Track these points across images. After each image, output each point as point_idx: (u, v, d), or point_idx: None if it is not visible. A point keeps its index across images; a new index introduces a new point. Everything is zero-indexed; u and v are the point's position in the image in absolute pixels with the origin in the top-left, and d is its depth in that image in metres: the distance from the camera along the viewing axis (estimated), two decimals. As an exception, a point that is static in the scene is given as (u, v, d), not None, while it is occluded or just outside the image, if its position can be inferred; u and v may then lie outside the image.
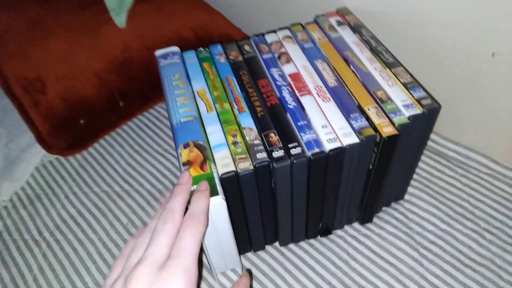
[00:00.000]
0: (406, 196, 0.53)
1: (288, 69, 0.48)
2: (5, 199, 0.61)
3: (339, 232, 0.52)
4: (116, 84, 0.65)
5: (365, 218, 0.52)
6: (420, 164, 0.56)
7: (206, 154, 0.40)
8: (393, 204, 0.53)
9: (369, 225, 0.52)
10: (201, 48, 0.53)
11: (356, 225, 0.52)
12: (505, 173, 0.53)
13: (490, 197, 0.52)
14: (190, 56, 0.53)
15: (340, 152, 0.40)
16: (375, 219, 0.52)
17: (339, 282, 0.47)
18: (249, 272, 0.48)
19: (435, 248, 0.48)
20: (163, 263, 0.29)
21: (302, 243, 0.51)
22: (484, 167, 0.55)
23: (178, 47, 0.53)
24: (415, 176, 0.55)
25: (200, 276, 0.48)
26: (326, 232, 0.51)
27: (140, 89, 0.67)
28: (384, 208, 0.53)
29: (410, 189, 0.54)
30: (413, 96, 0.43)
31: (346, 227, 0.52)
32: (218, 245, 0.43)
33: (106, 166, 0.63)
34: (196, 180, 0.37)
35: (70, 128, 0.62)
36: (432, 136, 0.59)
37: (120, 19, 0.68)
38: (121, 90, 0.66)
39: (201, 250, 0.30)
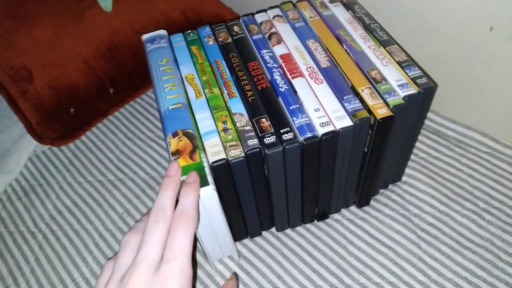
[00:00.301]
0: (404, 178, 0.52)
1: (279, 50, 0.47)
2: (-1, 192, 0.60)
3: (336, 216, 0.51)
4: (104, 70, 0.64)
5: (362, 201, 0.51)
6: (417, 144, 0.55)
7: (195, 143, 0.39)
8: (390, 186, 0.52)
9: (366, 208, 0.51)
10: (189, 30, 0.52)
11: (353, 208, 0.51)
12: (504, 151, 0.52)
13: (490, 177, 0.51)
14: (178, 40, 0.51)
15: (333, 136, 0.38)
16: (372, 202, 0.51)
17: (336, 266, 0.46)
18: (235, 275, 0.48)
19: (433, 230, 0.47)
20: (157, 265, 0.29)
21: (299, 228, 0.51)
22: (483, 146, 0.53)
23: (166, 30, 0.52)
24: (412, 156, 0.54)
25: (195, 276, 0.47)
26: (322, 216, 0.51)
27: (130, 75, 0.65)
28: (381, 191, 0.52)
29: (407, 170, 0.53)
30: (408, 75, 0.42)
31: (343, 210, 0.51)
32: (212, 233, 0.42)
33: (99, 155, 0.62)
34: (185, 170, 0.36)
35: (60, 117, 0.61)
36: (430, 115, 0.57)
37: (105, 3, 0.66)
38: (111, 76, 0.64)
39: (194, 247, 0.29)
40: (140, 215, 0.55)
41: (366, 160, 0.44)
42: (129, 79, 0.66)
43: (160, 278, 0.28)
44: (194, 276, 0.33)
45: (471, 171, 0.52)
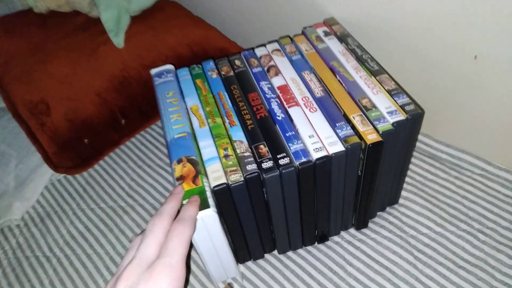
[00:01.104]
0: (401, 200, 0.54)
1: (277, 81, 0.50)
2: (17, 218, 0.64)
3: (335, 238, 0.53)
4: (116, 102, 0.68)
5: (360, 223, 0.53)
6: (414, 167, 0.57)
7: (198, 169, 0.42)
8: (387, 209, 0.54)
9: (364, 230, 0.53)
10: (194, 65, 0.56)
11: (352, 230, 0.53)
12: (497, 173, 0.54)
13: (484, 198, 0.52)
14: (184, 74, 0.55)
15: (326, 160, 0.41)
16: (370, 224, 0.53)
17: (335, 287, 0.48)
18: (230, 285, 0.50)
19: (429, 250, 0.49)
20: (151, 262, 0.31)
21: (300, 250, 0.53)
22: (477, 168, 0.55)
23: (173, 64, 0.56)
24: (409, 180, 0.56)
25: (187, 281, 0.49)
26: (322, 238, 0.53)
27: (140, 107, 0.70)
28: (379, 213, 0.54)
29: (404, 193, 0.55)
30: (397, 103, 0.44)
31: (342, 233, 0.53)
32: (215, 255, 0.45)
33: (111, 182, 0.66)
34: (188, 194, 0.39)
35: (75, 147, 0.65)
36: (426, 139, 0.60)
37: (118, 40, 0.71)
38: (122, 108, 0.68)
39: (189, 256, 0.32)
40: (149, 239, 0.57)
41: (361, 184, 0.46)
42: (139, 111, 0.70)
43: (151, 272, 0.30)
44: (186, 281, 0.34)
45: (465, 193, 0.53)
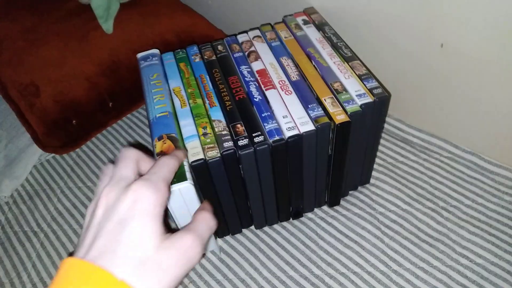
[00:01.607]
0: (372, 180, 0.58)
1: (256, 66, 0.53)
2: (6, 195, 0.66)
3: (309, 214, 0.56)
4: (105, 86, 0.70)
5: (333, 201, 0.56)
6: (385, 150, 0.61)
7: (177, 145, 0.44)
8: (359, 188, 0.57)
9: (336, 207, 0.56)
10: (179, 49, 0.58)
11: (325, 208, 0.56)
12: (464, 156, 0.57)
13: (449, 179, 0.56)
14: (168, 57, 0.57)
15: (298, 138, 0.44)
16: (342, 202, 0.56)
17: (307, 259, 0.51)
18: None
19: (396, 226, 0.52)
20: (130, 182, 0.29)
21: (276, 226, 0.56)
22: (445, 151, 0.59)
23: (159, 49, 0.58)
24: (380, 161, 0.59)
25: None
26: (297, 214, 0.56)
27: (128, 90, 0.72)
28: (351, 192, 0.57)
29: (375, 173, 0.58)
30: (366, 87, 0.47)
31: (316, 210, 0.56)
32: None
33: (98, 163, 0.68)
34: (167, 168, 0.42)
35: (63, 128, 0.67)
36: (397, 124, 0.63)
37: (107, 26, 0.73)
38: (110, 91, 0.70)
39: (166, 213, 0.31)
40: (133, 216, 0.60)
41: (331, 162, 0.49)
42: (127, 94, 0.72)
43: (132, 187, 0.28)
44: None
45: (433, 174, 0.57)
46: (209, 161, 0.43)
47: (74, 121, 0.68)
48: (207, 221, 0.32)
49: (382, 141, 0.62)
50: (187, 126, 0.47)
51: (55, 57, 0.71)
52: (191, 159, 0.43)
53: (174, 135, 0.45)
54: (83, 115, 0.69)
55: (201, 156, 0.43)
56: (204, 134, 0.46)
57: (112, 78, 0.71)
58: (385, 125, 0.63)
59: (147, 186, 0.29)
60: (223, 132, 0.45)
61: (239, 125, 0.46)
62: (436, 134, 0.60)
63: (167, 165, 0.33)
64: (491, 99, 0.51)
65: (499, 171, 0.55)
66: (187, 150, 0.44)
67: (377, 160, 0.60)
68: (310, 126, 0.44)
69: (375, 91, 0.47)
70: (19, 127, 0.71)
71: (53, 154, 0.70)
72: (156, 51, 0.58)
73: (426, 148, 0.60)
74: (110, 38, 0.73)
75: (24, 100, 0.68)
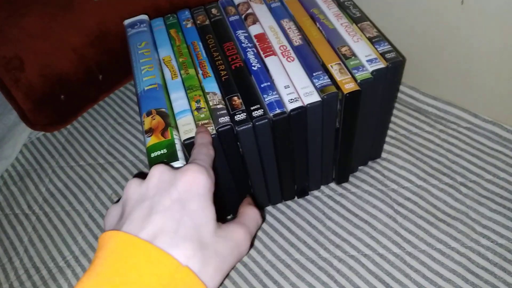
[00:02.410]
0: (383, 154, 0.53)
1: (254, 30, 0.47)
2: (-4, 177, 0.63)
3: (315, 192, 0.52)
4: (93, 57, 0.65)
5: (341, 178, 0.52)
6: (398, 121, 0.56)
7: (168, 121, 0.40)
8: (370, 163, 0.53)
9: (345, 184, 0.52)
10: (169, 14, 0.53)
11: (332, 185, 0.52)
12: (484, 125, 0.52)
13: (468, 151, 0.51)
14: (158, 24, 0.52)
15: (301, 111, 0.39)
16: (351, 179, 0.52)
17: (314, 241, 0.48)
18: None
19: (410, 204, 0.48)
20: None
21: (279, 205, 0.52)
22: (463, 121, 0.53)
23: (147, 15, 0.53)
24: (393, 133, 0.55)
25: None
26: (302, 193, 0.52)
27: (118, 61, 0.67)
28: (360, 167, 0.53)
29: (387, 147, 0.53)
30: (377, 51, 0.42)
31: (323, 187, 0.52)
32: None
33: (90, 140, 0.64)
34: (156, 147, 0.38)
35: (51, 104, 0.63)
36: (411, 92, 0.57)
37: (93, -9, 0.67)
38: (99, 63, 0.66)
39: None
40: (128, 196, 0.56)
41: (339, 136, 0.45)
42: (117, 66, 0.67)
43: (180, 169, 0.28)
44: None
45: (450, 146, 0.52)
46: (203, 138, 0.39)
47: (62, 96, 0.63)
48: (256, 218, 0.31)
49: (394, 111, 0.57)
50: (179, 100, 0.43)
51: (39, 28, 0.65)
52: (184, 137, 0.39)
53: (164, 110, 0.41)
54: (71, 90, 0.64)
55: (194, 133, 0.39)
56: (198, 109, 0.41)
57: (101, 48, 0.66)
58: (398, 94, 0.58)
59: (203, 171, 0.27)
60: (218, 106, 0.41)
61: (235, 98, 0.41)
62: (454, 103, 0.55)
63: (210, 156, 0.32)
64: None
65: (523, 142, 0.50)
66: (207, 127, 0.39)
67: (389, 132, 0.55)
68: (315, 97, 0.39)
69: (387, 56, 0.41)
70: (6, 104, 0.66)
71: (43, 132, 0.66)
72: (144, 16, 0.53)
73: (443, 118, 0.54)
74: (97, 5, 0.67)
75: (9, 75, 0.63)
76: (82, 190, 0.58)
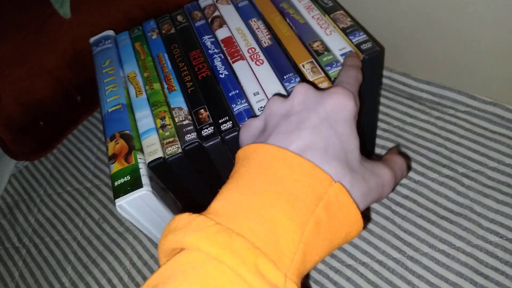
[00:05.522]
0: (377, 150, 0.49)
1: (221, 34, 0.44)
2: (-14, 211, 0.62)
3: (307, 198, 0.49)
4: (70, 78, 0.63)
5: (332, 180, 0.48)
6: (390, 112, 0.51)
7: (132, 144, 0.37)
8: (362, 161, 0.49)
9: (338, 187, 0.48)
10: (134, 27, 0.50)
11: (324, 188, 0.49)
12: (483, 107, 0.48)
13: (469, 138, 0.46)
14: (123, 38, 0.49)
15: (272, 119, 0.36)
16: (344, 180, 0.48)
17: (308, 252, 0.44)
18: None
19: (408, 202, 0.44)
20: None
21: (271, 216, 0.49)
22: (461, 105, 0.49)
23: (127, 30, 0.50)
24: (385, 126, 0.51)
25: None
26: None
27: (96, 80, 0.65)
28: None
29: (380, 141, 0.49)
30: (352, 42, 0.38)
31: (315, 192, 0.49)
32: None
33: (77, 163, 0.62)
34: (120, 174, 0.35)
35: (31, 132, 0.61)
36: (403, 78, 0.53)
37: (63, 10, 0.65)
38: (76, 84, 0.63)
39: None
40: (116, 220, 0.54)
41: (322, 139, 0.41)
42: (95, 85, 0.65)
43: (336, 91, 0.26)
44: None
45: (448, 134, 0.48)
46: (169, 159, 0.36)
47: (41, 123, 0.62)
48: (404, 167, 0.30)
49: (385, 101, 0.53)
50: (144, 119, 0.40)
51: (14, 53, 0.63)
52: (149, 159, 0.36)
53: (128, 132, 0.38)
54: (50, 115, 0.62)
55: (160, 154, 0.36)
56: (163, 127, 0.38)
57: (77, 68, 0.63)
58: (388, 82, 0.54)
59: (351, 96, 0.26)
60: (185, 122, 0.38)
61: (202, 111, 0.38)
62: (449, 86, 0.50)
63: (358, 81, 0.30)
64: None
65: (529, 121, 0.45)
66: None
67: (381, 124, 0.51)
68: (286, 102, 0.36)
69: (363, 47, 0.37)
70: (-11, 136, 0.65)
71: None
72: (110, 32, 0.51)
73: (438, 104, 0.50)
74: (69, 24, 0.65)
75: (-14, 107, 0.62)
76: (70, 217, 0.57)
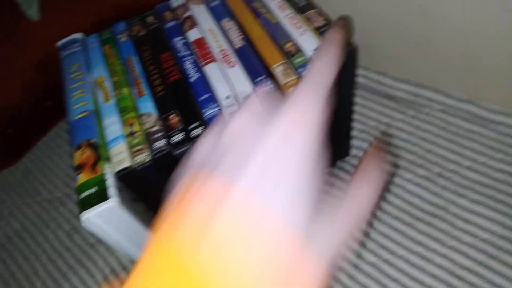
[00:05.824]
0: (353, 151, 0.49)
1: (192, 35, 0.43)
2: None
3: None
4: (40, 83, 0.61)
5: (309, 183, 0.47)
6: (366, 111, 0.51)
7: (99, 153, 0.36)
8: (338, 163, 0.49)
9: (314, 190, 0.47)
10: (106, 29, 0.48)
11: (301, 192, 0.48)
12: (458, 105, 0.48)
13: (444, 137, 0.46)
14: (92, 41, 0.48)
15: (244, 123, 0.35)
16: (320, 182, 0.48)
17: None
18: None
19: (384, 204, 0.44)
20: None
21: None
22: (436, 103, 0.49)
23: (98, 32, 0.48)
24: (361, 126, 0.50)
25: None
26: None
27: (65, 84, 0.63)
28: (328, 170, 0.48)
29: (356, 142, 0.49)
30: (325, 43, 0.38)
31: (292, 195, 0.48)
32: (140, 237, 0.40)
33: (46, 172, 0.60)
34: (87, 185, 0.34)
35: (-2, 140, 0.59)
36: (379, 77, 0.53)
37: (31, 12, 0.62)
38: (47, 88, 0.61)
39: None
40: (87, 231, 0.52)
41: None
42: (66, 89, 0.63)
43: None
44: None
45: (423, 134, 0.47)
46: (137, 168, 0.35)
47: (9, 130, 0.59)
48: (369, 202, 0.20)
49: (361, 100, 0.52)
50: (111, 126, 0.38)
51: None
52: (116, 168, 0.35)
53: (95, 140, 0.37)
54: (19, 121, 0.60)
55: (128, 163, 0.35)
56: (131, 134, 0.37)
57: (46, 72, 0.61)
58: (364, 81, 0.54)
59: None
60: (154, 129, 0.37)
61: (172, 116, 0.37)
62: (425, 84, 0.50)
63: (326, 84, 0.20)
64: (487, 32, 0.41)
65: (502, 120, 0.45)
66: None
67: (357, 125, 0.50)
68: (258, 106, 0.35)
69: (336, 47, 0.37)
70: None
71: (-3, 170, 0.62)
72: (78, 35, 0.49)
73: (414, 102, 0.50)
74: (38, 27, 0.63)
75: (-50, 114, 0.59)
76: (39, 229, 0.54)
